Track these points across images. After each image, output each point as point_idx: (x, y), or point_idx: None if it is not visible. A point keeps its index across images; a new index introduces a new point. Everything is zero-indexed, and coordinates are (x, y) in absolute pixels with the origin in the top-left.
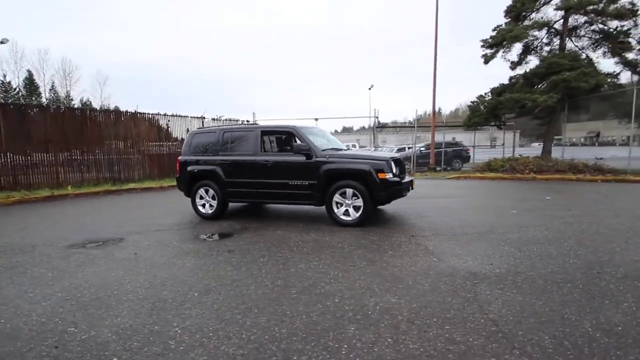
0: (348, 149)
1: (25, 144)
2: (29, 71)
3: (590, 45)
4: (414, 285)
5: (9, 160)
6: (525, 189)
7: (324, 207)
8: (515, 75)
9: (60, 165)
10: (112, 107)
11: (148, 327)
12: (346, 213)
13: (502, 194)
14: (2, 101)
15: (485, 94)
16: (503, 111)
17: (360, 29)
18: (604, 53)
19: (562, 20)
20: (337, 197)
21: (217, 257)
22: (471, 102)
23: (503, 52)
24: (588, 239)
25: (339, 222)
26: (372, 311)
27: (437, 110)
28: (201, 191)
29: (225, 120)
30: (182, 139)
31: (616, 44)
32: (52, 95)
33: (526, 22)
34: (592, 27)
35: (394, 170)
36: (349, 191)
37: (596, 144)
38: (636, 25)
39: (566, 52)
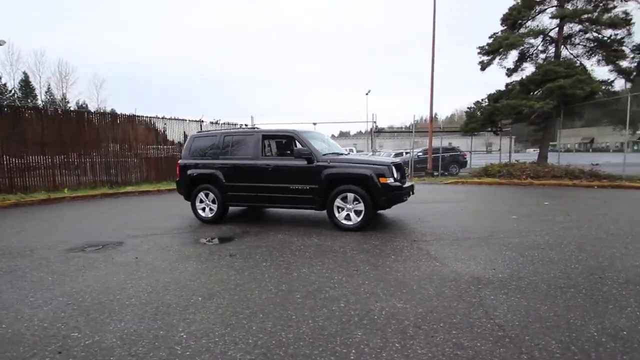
0: (348, 153)
1: (22, 146)
2: (24, 73)
3: (584, 53)
4: (419, 290)
5: (4, 162)
6: (522, 195)
7: (324, 211)
8: (511, 82)
9: (57, 168)
10: (108, 110)
11: (153, 332)
12: (347, 217)
13: (500, 199)
14: None
15: (482, 100)
16: (500, 117)
17: (358, 30)
18: (598, 61)
19: (557, 29)
20: (338, 202)
21: (219, 262)
22: (468, 108)
23: (499, 59)
24: (588, 244)
25: (340, 226)
26: (378, 316)
27: (433, 115)
28: (201, 195)
29: (224, 123)
30: (179, 143)
31: (610, 52)
32: (48, 97)
33: (522, 30)
34: (587, 36)
35: (395, 175)
36: (350, 196)
37: (590, 150)
38: (630, 34)
39: (561, 59)
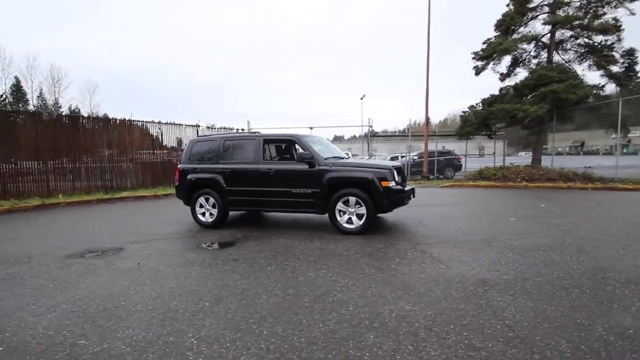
0: (348, 157)
1: (15, 151)
2: (16, 78)
3: (576, 59)
4: (426, 293)
5: None
6: (518, 197)
7: (325, 215)
8: (505, 87)
9: (51, 173)
10: (101, 115)
11: (162, 339)
12: (349, 221)
13: (497, 202)
14: None
15: (477, 104)
16: (494, 121)
17: (354, 35)
18: (589, 66)
19: (549, 35)
20: (340, 205)
21: (223, 266)
22: (463, 112)
23: (493, 64)
24: (587, 245)
25: (342, 230)
26: (388, 319)
27: (425, 119)
28: (201, 199)
29: (220, 128)
30: (172, 147)
31: (601, 57)
32: (40, 102)
33: (515, 36)
34: (578, 41)
35: (397, 179)
36: (352, 199)
37: (581, 153)
38: (619, 39)
39: (553, 64)
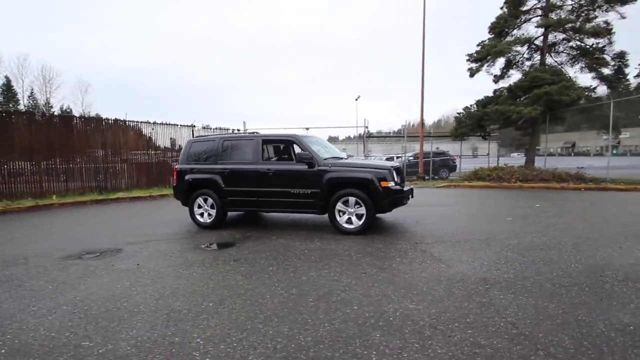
0: (347, 158)
1: (8, 152)
2: (6, 77)
3: (568, 61)
4: (429, 291)
5: None
6: (513, 197)
7: (324, 215)
8: (499, 88)
9: (44, 174)
10: (93, 114)
11: (168, 339)
12: (349, 221)
13: (492, 202)
14: None
15: (471, 105)
16: (488, 122)
17: (348, 36)
18: (581, 68)
19: (542, 37)
20: (339, 206)
21: (224, 267)
22: (458, 113)
23: (487, 66)
24: (583, 244)
25: (341, 230)
26: (393, 317)
27: (420, 121)
28: (199, 200)
29: (215, 128)
30: (167, 147)
31: (593, 59)
32: (31, 102)
33: (508, 38)
34: (570, 44)
35: (396, 179)
36: (352, 199)
37: (572, 154)
38: (610, 42)
39: (546, 67)
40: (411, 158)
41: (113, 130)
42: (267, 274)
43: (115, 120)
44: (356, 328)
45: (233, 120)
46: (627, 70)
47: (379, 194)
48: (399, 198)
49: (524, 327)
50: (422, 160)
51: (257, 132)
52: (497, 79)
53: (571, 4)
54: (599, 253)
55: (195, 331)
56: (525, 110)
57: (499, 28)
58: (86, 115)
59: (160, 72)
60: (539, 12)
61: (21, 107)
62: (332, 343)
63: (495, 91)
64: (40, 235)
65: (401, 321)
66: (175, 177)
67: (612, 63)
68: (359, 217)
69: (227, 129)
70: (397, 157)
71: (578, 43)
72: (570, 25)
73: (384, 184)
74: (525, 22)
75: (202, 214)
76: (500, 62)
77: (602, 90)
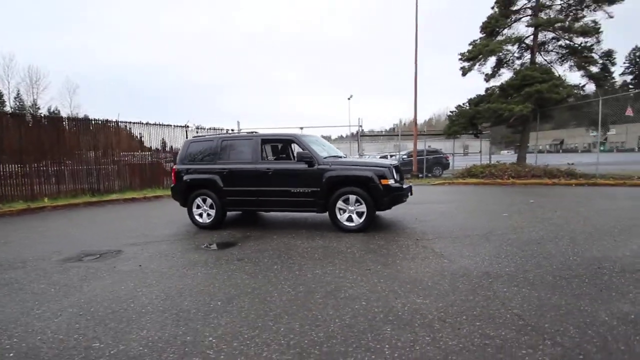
0: (346, 156)
1: None
2: None
3: (558, 60)
4: (434, 286)
5: None
6: (508, 193)
7: (324, 214)
8: (491, 87)
9: (35, 176)
10: (81, 116)
11: (180, 339)
12: (349, 219)
13: (488, 198)
14: None
15: (463, 104)
16: (481, 120)
17: (341, 35)
18: (570, 67)
19: (532, 36)
20: (340, 204)
21: (228, 266)
22: (450, 111)
23: (479, 65)
24: (579, 237)
25: (342, 228)
26: (401, 312)
27: (413, 119)
28: (198, 200)
29: (209, 129)
30: (157, 149)
31: (581, 58)
32: (17, 103)
33: (499, 38)
34: (559, 43)
35: (395, 177)
36: (352, 197)
37: (560, 150)
38: (598, 41)
39: (536, 65)
40: (405, 156)
41: (105, 131)
42: (272, 272)
43: (106, 121)
44: (366, 323)
45: (227, 120)
46: (612, 69)
47: (379, 192)
48: (399, 195)
49: (529, 318)
50: (415, 158)
51: (255, 132)
52: (488, 77)
53: (560, 4)
54: (595, 246)
55: (206, 330)
56: (517, 108)
57: (490, 27)
58: (75, 116)
59: (154, 71)
60: (529, 11)
61: (7, 108)
62: (344, 338)
63: (487, 89)
64: (36, 238)
65: (410, 315)
66: (173, 177)
67: (600, 61)
68: (360, 214)
69: (221, 129)
70: (391, 156)
71: (567, 42)
72: (559, 24)
73: (384, 181)
74: (515, 21)
75: (201, 215)
76: (492, 61)
77: (591, 88)
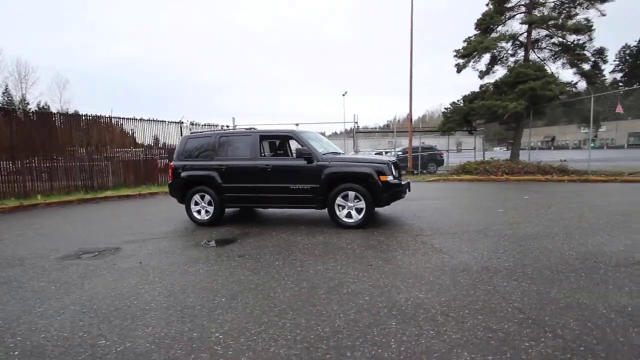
0: (344, 153)
1: None
2: None
3: (551, 57)
4: (435, 281)
5: None
6: (502, 190)
7: (323, 210)
8: (485, 84)
9: (27, 173)
10: (72, 111)
11: (186, 335)
12: (348, 215)
13: (483, 194)
14: None
15: (458, 101)
16: (475, 117)
17: (339, 39)
18: (563, 64)
19: (526, 34)
20: (339, 200)
21: (229, 263)
22: (445, 108)
23: (474, 62)
24: (574, 233)
25: (341, 224)
26: (405, 306)
27: (407, 116)
28: (196, 197)
29: (204, 125)
30: (149, 145)
31: (574, 55)
32: (5, 98)
33: (493, 35)
34: (553, 40)
35: (394, 173)
36: (351, 194)
37: (552, 147)
38: (591, 39)
39: (530, 62)
40: (400, 153)
41: (97, 126)
42: (274, 268)
43: (98, 116)
44: (371, 317)
45: (227, 119)
46: (603, 66)
47: (378, 188)
48: (398, 192)
49: (530, 312)
50: (410, 155)
51: (253, 128)
52: (482, 74)
53: (553, 1)
54: (590, 241)
55: (212, 326)
56: (511, 105)
57: (485, 24)
58: (65, 112)
59: (154, 71)
60: (523, 8)
61: None
62: (350, 333)
63: (481, 87)
64: (31, 235)
65: (413, 310)
66: (170, 174)
67: (592, 59)
68: (359, 211)
69: (216, 126)
70: (386, 152)
71: (560, 39)
72: (553, 22)
73: (383, 178)
74: (509, 18)
75: (199, 211)
76: (486, 58)
77: (583, 85)
